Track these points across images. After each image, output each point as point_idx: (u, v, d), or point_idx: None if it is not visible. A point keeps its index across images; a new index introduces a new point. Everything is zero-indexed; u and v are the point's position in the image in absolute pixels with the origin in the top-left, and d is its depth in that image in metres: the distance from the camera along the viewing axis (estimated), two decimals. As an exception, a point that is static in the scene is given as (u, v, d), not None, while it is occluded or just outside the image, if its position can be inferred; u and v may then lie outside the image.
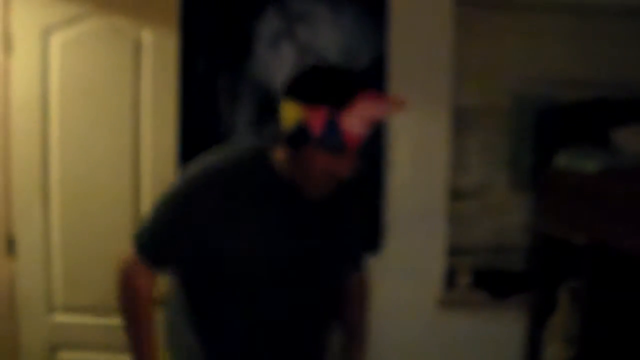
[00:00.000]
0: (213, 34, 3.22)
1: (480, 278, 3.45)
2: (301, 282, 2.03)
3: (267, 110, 3.28)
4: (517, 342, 3.46)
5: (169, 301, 2.20)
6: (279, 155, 1.97)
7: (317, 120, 1.82)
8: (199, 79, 3.23)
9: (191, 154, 3.20)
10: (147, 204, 3.12)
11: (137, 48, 3.12)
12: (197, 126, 3.23)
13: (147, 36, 3.11)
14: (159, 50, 3.11)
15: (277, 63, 3.25)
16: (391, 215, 3.32)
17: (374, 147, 3.21)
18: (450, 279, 3.45)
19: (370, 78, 3.27)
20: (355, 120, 1.84)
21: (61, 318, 3.23)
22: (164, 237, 1.99)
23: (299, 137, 1.87)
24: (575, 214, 2.99)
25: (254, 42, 3.24)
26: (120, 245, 3.10)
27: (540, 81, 3.44)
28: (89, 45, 3.12)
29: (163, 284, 2.14)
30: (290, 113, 1.87)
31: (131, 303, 2.02)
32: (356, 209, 2.24)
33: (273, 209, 1.98)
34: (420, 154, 3.30)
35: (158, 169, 3.13)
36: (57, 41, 3.10)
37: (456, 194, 3.44)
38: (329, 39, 3.25)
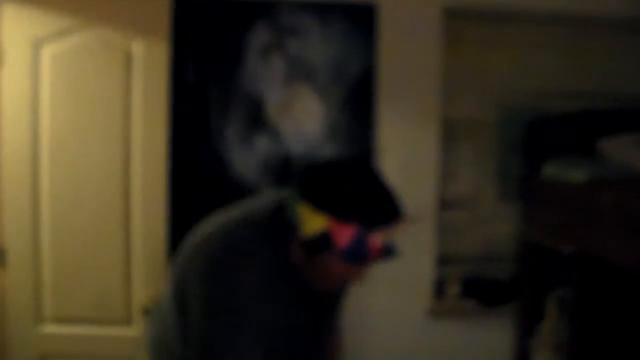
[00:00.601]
0: (203, 46, 3.24)
1: (470, 287, 3.47)
2: (300, 344, 2.04)
3: (256, 121, 3.30)
4: (506, 350, 3.49)
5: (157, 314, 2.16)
6: (293, 250, 1.88)
7: (344, 236, 1.76)
8: (189, 91, 3.24)
9: (182, 164, 3.24)
10: (138, 215, 3.13)
11: (128, 60, 3.12)
12: (188, 136, 3.24)
13: (138, 48, 3.12)
14: (149, 61, 3.11)
15: (267, 75, 3.27)
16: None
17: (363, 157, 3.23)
18: (440, 288, 3.47)
19: (359, 90, 3.30)
20: (381, 237, 1.78)
21: (50, 329, 3.21)
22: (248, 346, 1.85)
23: (320, 246, 1.79)
24: (563, 224, 3.02)
25: (244, 54, 3.26)
26: (110, 256, 3.14)
27: (528, 92, 3.47)
28: (79, 58, 3.11)
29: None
30: (312, 222, 1.78)
31: None
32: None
33: (286, 288, 1.91)
34: (410, 165, 3.32)
35: (149, 179, 3.13)
36: (47, 53, 3.10)
37: (445, 204, 3.45)
38: (319, 51, 3.28)
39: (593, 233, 2.76)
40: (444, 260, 3.48)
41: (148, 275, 3.11)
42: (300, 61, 3.27)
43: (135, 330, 3.11)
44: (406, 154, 3.32)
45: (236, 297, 1.82)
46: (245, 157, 3.29)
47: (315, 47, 3.27)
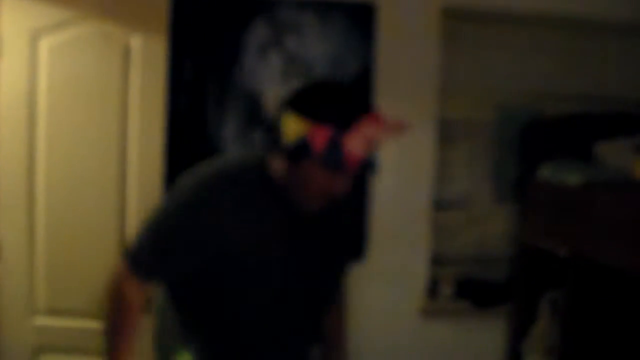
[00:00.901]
0: (202, 42, 3.24)
1: (463, 288, 3.48)
2: (292, 296, 2.01)
3: (254, 117, 3.30)
4: (498, 351, 3.50)
5: (159, 308, 2.19)
6: (277, 165, 1.95)
7: (320, 137, 1.80)
8: (187, 86, 3.24)
9: (178, 159, 3.23)
10: (133, 209, 3.13)
11: (126, 53, 3.12)
12: (185, 131, 3.24)
13: (136, 42, 3.12)
14: (147, 56, 3.12)
15: (265, 72, 3.27)
16: (375, 224, 3.34)
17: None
18: (434, 288, 3.47)
19: (357, 89, 3.30)
20: (357, 142, 1.82)
21: (44, 321, 3.22)
22: (162, 251, 1.93)
23: (299, 151, 1.84)
24: (558, 226, 3.02)
25: (242, 50, 3.26)
26: (104, 249, 3.14)
27: (526, 94, 3.48)
28: (77, 50, 3.12)
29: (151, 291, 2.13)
30: (292, 127, 1.84)
31: (118, 314, 1.97)
32: (344, 225, 2.24)
33: (269, 218, 1.95)
34: (406, 165, 3.33)
35: (145, 173, 3.13)
36: (45, 45, 3.10)
37: (440, 205, 3.46)
38: (317, 49, 3.28)
39: (587, 236, 2.78)
40: (437, 261, 3.48)
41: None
42: (298, 58, 3.27)
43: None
44: (402, 153, 3.31)
45: (190, 216, 1.90)
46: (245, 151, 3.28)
47: (313, 45, 3.27)
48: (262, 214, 1.94)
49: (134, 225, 3.12)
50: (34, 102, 3.11)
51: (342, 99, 1.88)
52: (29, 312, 3.20)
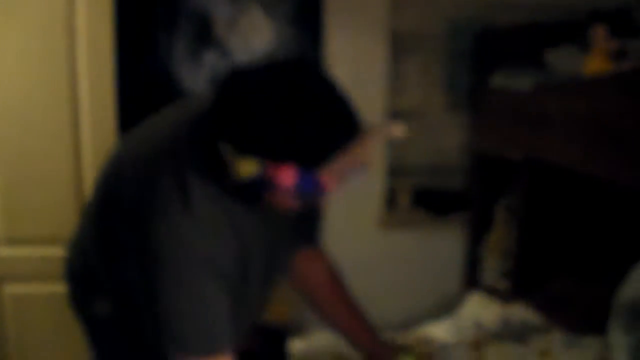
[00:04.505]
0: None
1: (420, 198, 3.52)
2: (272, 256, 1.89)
3: (204, 38, 3.26)
4: (456, 258, 3.57)
5: None
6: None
7: (286, 176, 1.46)
8: (135, 6, 3.18)
9: (129, 82, 3.19)
10: (86, 130, 3.09)
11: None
12: (135, 54, 3.20)
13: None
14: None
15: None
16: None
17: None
18: (391, 199, 3.52)
19: (307, 3, 3.27)
20: (336, 171, 1.50)
21: (3, 252, 3.21)
22: (218, 313, 1.64)
23: (259, 188, 1.51)
24: (511, 131, 3.07)
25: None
26: (60, 175, 3.10)
27: (477, 4, 3.46)
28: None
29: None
30: (245, 166, 1.47)
31: None
32: None
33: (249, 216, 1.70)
34: (359, 77, 3.31)
35: (96, 96, 3.07)
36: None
37: (394, 116, 3.46)
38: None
39: (540, 139, 2.82)
40: (394, 172, 3.51)
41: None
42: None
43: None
44: (355, 67, 3.31)
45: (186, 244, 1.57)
46: (194, 74, 3.26)
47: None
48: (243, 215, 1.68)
49: (88, 150, 3.10)
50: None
51: (300, 127, 1.43)
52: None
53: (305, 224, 2.13)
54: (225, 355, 1.65)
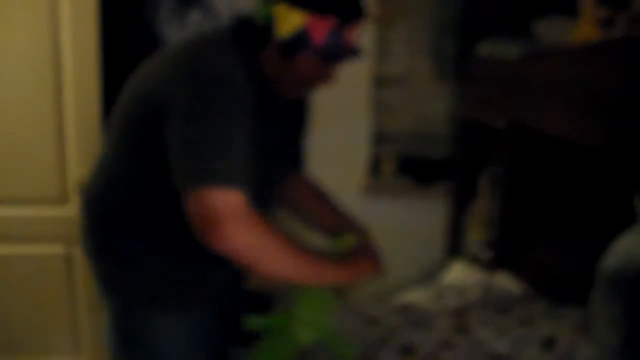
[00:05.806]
0: None
1: (405, 165, 3.52)
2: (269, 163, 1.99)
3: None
4: (440, 226, 3.57)
5: None
6: (263, 57, 1.86)
7: (321, 30, 1.76)
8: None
9: (114, 41, 3.14)
10: (69, 88, 3.01)
11: None
12: (120, 13, 3.15)
13: None
14: None
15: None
16: (316, 103, 3.32)
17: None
18: (375, 166, 3.51)
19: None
20: (356, 33, 1.82)
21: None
22: (239, 150, 1.71)
23: (297, 44, 1.79)
24: (496, 99, 3.06)
25: None
26: (42, 134, 3.05)
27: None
28: None
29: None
30: (289, 20, 1.76)
31: (267, 243, 1.73)
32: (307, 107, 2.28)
33: (256, 101, 1.83)
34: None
35: (79, 55, 2.99)
36: None
37: (380, 82, 3.45)
38: None
39: (525, 106, 2.81)
40: (379, 139, 3.50)
41: (82, 152, 3.05)
42: None
43: (71, 210, 3.06)
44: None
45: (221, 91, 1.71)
46: (180, 34, 3.22)
47: None
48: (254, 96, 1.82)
49: (71, 108, 3.04)
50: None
51: None
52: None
53: (295, 151, 2.37)
54: (243, 197, 1.68)
